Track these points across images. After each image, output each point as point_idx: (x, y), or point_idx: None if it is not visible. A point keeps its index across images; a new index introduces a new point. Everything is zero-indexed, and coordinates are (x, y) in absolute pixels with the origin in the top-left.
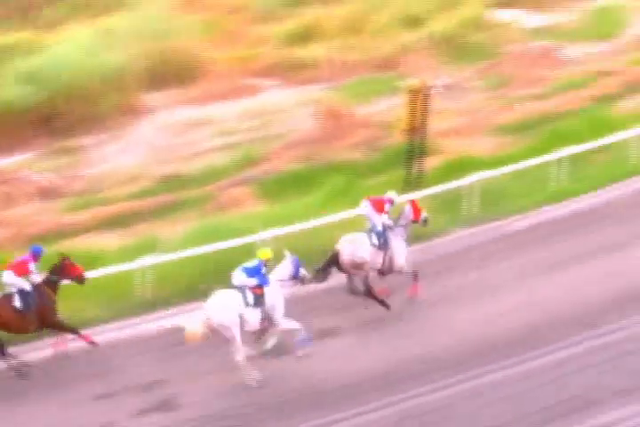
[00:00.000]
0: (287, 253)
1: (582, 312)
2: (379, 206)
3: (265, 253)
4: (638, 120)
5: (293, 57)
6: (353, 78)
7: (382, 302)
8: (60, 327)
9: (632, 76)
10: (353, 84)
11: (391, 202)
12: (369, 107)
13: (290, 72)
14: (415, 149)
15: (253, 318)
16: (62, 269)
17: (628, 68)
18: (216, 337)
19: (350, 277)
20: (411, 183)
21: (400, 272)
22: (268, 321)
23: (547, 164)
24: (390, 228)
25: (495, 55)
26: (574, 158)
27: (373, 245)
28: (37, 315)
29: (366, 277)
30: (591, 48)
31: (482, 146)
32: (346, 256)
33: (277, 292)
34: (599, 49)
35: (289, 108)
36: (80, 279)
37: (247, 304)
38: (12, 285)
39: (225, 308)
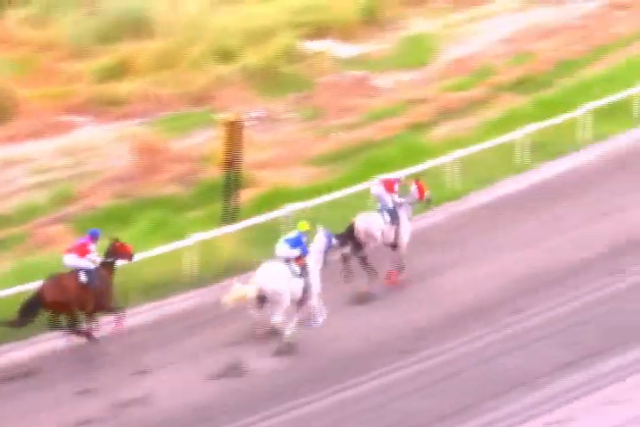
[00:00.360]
0: (320, 228)
1: (401, 339)
2: (389, 187)
3: (304, 226)
4: (452, 146)
5: (107, 93)
6: (168, 113)
7: (372, 273)
8: (110, 311)
9: (444, 103)
10: (168, 119)
11: (400, 182)
12: (185, 141)
13: (104, 108)
14: (231, 182)
15: (297, 287)
16: (115, 250)
17: (440, 95)
18: None
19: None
20: (228, 216)
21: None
22: (306, 292)
23: (363, 192)
24: (400, 205)
25: (309, 86)
26: None
27: (387, 222)
28: (96, 296)
29: (365, 251)
30: (403, 76)
31: (298, 177)
32: (361, 229)
33: (315, 264)
34: (411, 77)
35: (104, 145)
36: (130, 258)
37: (294, 275)
38: (74, 267)
39: (277, 277)
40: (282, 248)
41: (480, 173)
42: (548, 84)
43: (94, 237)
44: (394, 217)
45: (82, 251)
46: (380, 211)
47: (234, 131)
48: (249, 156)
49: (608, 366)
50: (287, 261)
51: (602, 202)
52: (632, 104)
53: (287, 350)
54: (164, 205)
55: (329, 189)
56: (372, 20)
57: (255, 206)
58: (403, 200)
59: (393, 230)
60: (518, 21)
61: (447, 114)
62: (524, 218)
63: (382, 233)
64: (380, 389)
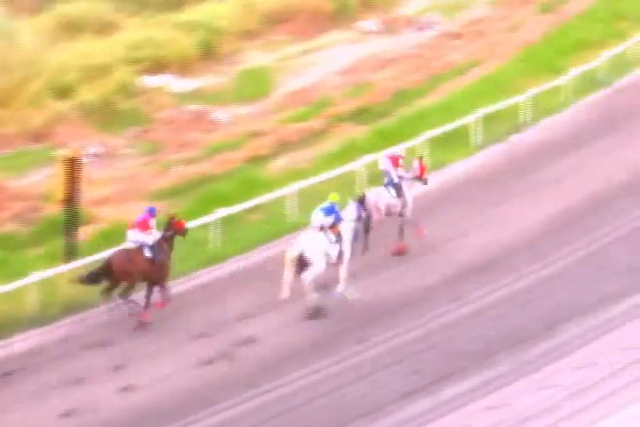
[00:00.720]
0: (351, 200)
1: (242, 373)
2: (395, 162)
3: (335, 197)
4: (292, 178)
5: None
6: (6, 151)
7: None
8: (163, 284)
9: (283, 135)
10: (7, 157)
11: (402, 158)
12: (24, 179)
13: None
14: (71, 219)
15: (334, 253)
16: (172, 225)
17: (279, 128)
18: None
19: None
20: (69, 253)
21: (406, 216)
22: (340, 256)
23: (204, 226)
24: (402, 179)
25: (147, 121)
26: (230, 219)
27: (392, 196)
28: (159, 267)
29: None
30: (242, 109)
31: (138, 212)
32: (371, 203)
33: (346, 231)
34: (250, 110)
35: None
36: (183, 233)
37: (331, 242)
38: (136, 241)
39: (316, 244)
40: (317, 216)
41: (321, 204)
42: (387, 114)
43: (152, 213)
44: (398, 190)
45: (143, 226)
46: (386, 186)
47: (72, 167)
48: (89, 192)
49: (447, 394)
50: (323, 229)
51: (441, 230)
52: (468, 132)
53: (316, 313)
54: (3, 244)
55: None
56: (209, 54)
57: (96, 243)
58: (405, 175)
59: (399, 202)
60: (355, 52)
61: (286, 146)
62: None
63: (389, 206)
64: (223, 423)
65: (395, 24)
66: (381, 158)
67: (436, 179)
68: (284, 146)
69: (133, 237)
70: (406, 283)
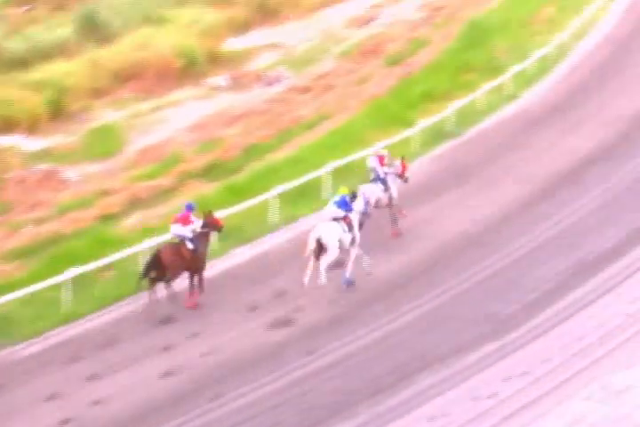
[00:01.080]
0: (360, 193)
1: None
2: (381, 160)
3: (344, 190)
4: (143, 235)
5: None
6: None
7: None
8: (202, 274)
9: (133, 193)
10: None
11: (386, 157)
12: None
13: None
14: None
15: (346, 240)
16: (209, 221)
17: (129, 185)
18: None
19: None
20: None
21: (394, 205)
22: (352, 243)
23: (55, 286)
24: (387, 175)
25: None
26: (82, 278)
27: (382, 189)
28: (199, 258)
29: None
30: (92, 168)
31: None
32: (367, 198)
33: (356, 220)
34: (100, 168)
35: None
36: (220, 229)
37: (344, 231)
38: (178, 235)
39: (332, 233)
40: (330, 209)
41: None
42: (237, 170)
43: (191, 208)
44: (385, 185)
45: (185, 221)
46: (375, 181)
47: None
48: None
49: None
50: (335, 219)
51: (291, 282)
52: (320, 186)
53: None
54: None
55: (20, 284)
56: (58, 113)
57: None
58: (389, 171)
59: (386, 195)
60: (205, 108)
61: (137, 204)
62: (220, 303)
63: (378, 200)
64: None
65: (244, 79)
66: (369, 157)
67: (286, 234)
68: (134, 204)
69: (177, 231)
70: (259, 338)
